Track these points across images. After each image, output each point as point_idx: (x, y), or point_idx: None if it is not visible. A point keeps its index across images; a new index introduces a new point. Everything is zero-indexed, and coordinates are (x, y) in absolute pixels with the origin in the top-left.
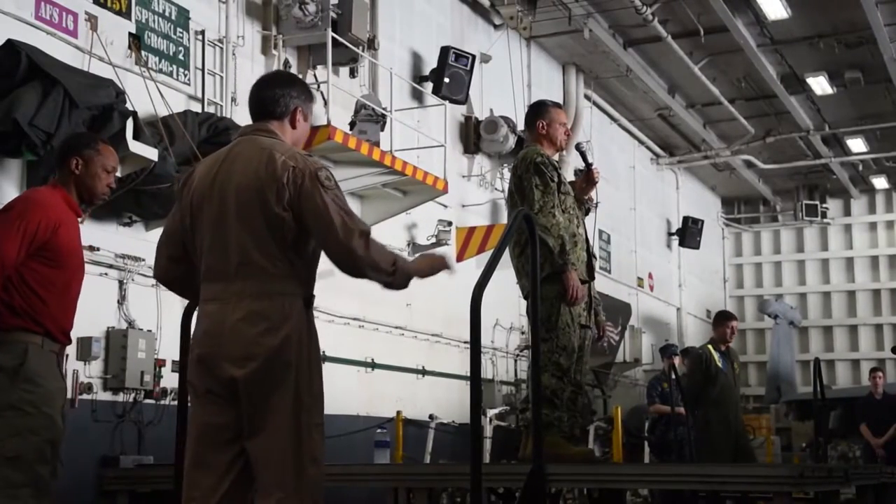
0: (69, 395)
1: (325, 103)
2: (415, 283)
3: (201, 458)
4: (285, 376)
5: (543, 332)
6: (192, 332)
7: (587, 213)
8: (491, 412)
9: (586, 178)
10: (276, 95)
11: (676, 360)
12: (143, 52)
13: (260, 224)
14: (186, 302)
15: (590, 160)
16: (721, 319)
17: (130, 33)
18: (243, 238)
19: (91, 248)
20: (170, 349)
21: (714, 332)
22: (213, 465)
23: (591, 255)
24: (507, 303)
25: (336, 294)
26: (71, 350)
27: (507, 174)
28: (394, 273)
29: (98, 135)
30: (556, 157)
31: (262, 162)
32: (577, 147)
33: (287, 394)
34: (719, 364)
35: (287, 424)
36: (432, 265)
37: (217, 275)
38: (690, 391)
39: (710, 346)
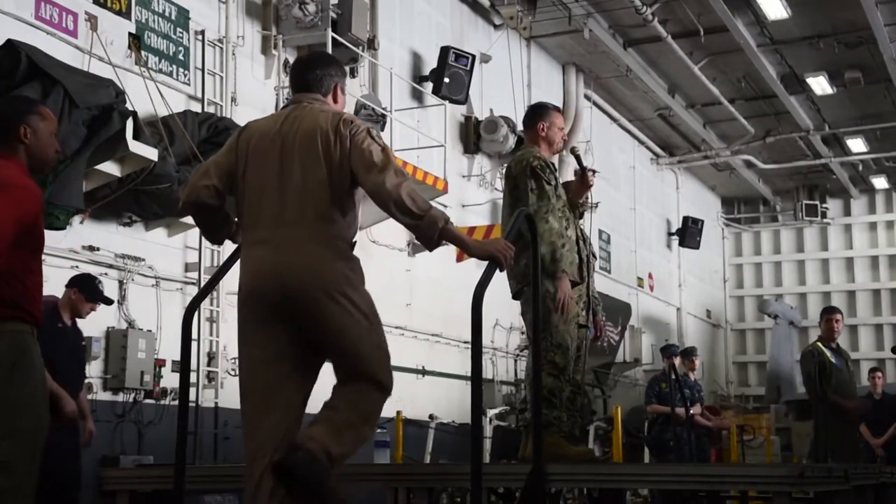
0: None
1: None
2: (415, 282)
3: (260, 377)
4: (325, 305)
5: None
6: (240, 273)
7: (581, 215)
8: (491, 412)
9: (581, 181)
10: (319, 75)
11: (676, 361)
12: (143, 52)
13: (321, 174)
14: (187, 302)
15: (584, 164)
16: (824, 315)
17: (130, 33)
18: (304, 186)
19: (91, 248)
20: (170, 349)
21: (821, 328)
22: (272, 382)
23: (588, 256)
24: (507, 303)
25: None
26: None
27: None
28: (421, 218)
29: (33, 98)
30: (554, 158)
31: (325, 120)
32: (573, 151)
33: (328, 317)
34: (832, 360)
35: (335, 337)
36: (488, 249)
37: (272, 219)
38: (810, 392)
39: (819, 344)
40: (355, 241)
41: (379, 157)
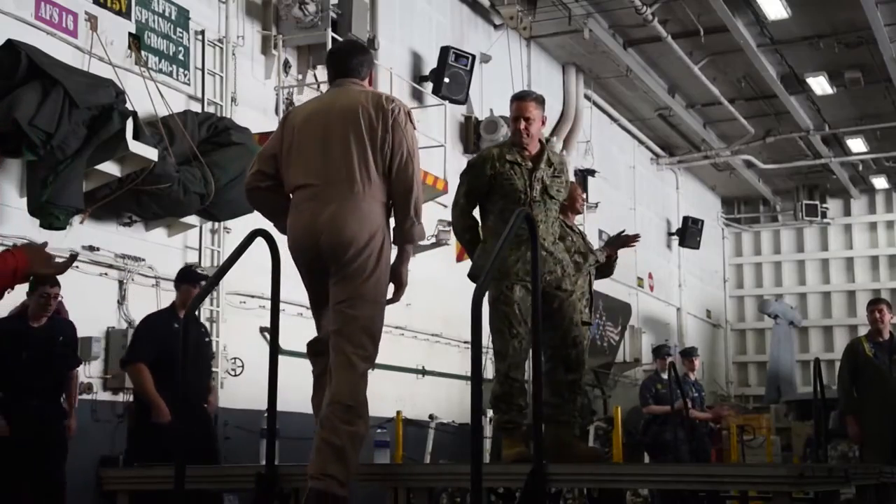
0: None
1: None
2: (414, 283)
3: (314, 309)
4: (359, 257)
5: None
6: (289, 227)
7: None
8: (491, 412)
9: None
10: (357, 62)
11: (670, 360)
12: (143, 52)
13: (364, 143)
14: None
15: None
16: (868, 307)
17: (130, 33)
18: (349, 154)
19: (91, 248)
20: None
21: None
22: (320, 317)
23: (574, 254)
24: None
25: None
26: None
27: None
28: (415, 220)
29: None
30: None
31: (367, 97)
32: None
33: (356, 268)
34: (869, 354)
35: (364, 294)
36: (402, 280)
37: (318, 180)
38: (839, 391)
39: (862, 338)
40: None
41: (416, 152)
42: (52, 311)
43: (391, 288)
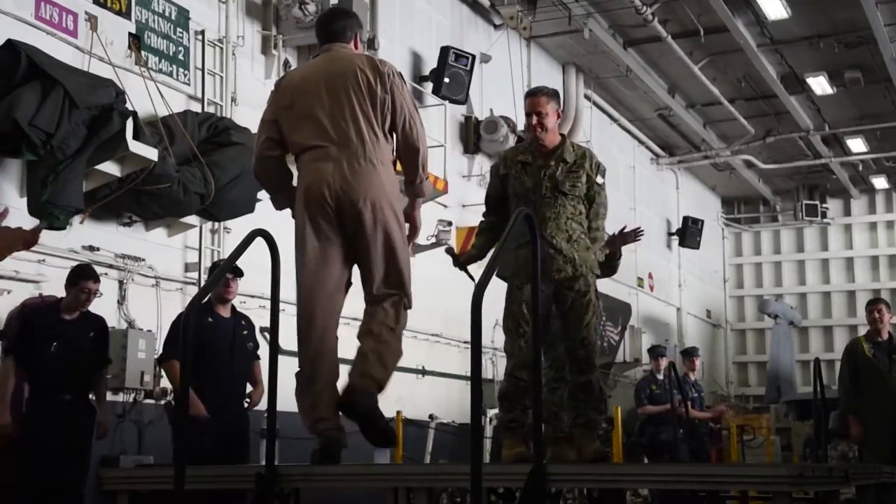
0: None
1: None
2: (415, 282)
3: (318, 265)
4: (380, 214)
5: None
6: (300, 183)
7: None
8: (491, 412)
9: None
10: (342, 26)
11: (664, 361)
12: (143, 52)
13: (366, 104)
14: (187, 302)
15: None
16: (867, 307)
17: (130, 33)
18: (355, 115)
19: (91, 248)
20: None
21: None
22: (328, 280)
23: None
24: None
25: None
26: None
27: None
28: (423, 176)
29: None
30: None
31: (360, 60)
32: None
33: (381, 224)
34: (868, 354)
35: (383, 243)
36: (417, 225)
37: (327, 140)
38: (840, 392)
39: (862, 338)
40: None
41: (415, 111)
42: (88, 306)
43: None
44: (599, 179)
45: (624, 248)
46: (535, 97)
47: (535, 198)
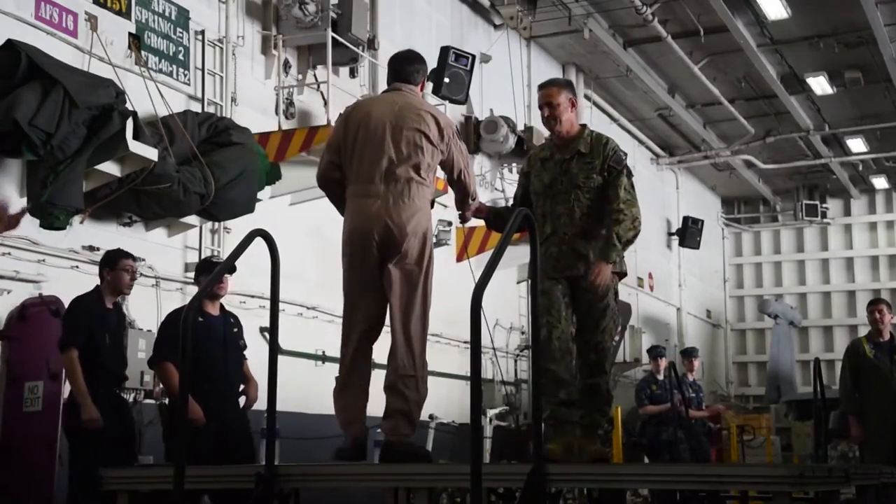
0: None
1: (326, 103)
2: None
3: (357, 297)
4: (416, 248)
5: None
6: (345, 217)
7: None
8: (491, 412)
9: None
10: (415, 69)
11: (664, 362)
12: (143, 52)
13: (425, 154)
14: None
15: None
16: (868, 307)
17: (130, 33)
18: (406, 154)
19: (91, 248)
20: None
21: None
22: (369, 305)
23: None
24: (507, 303)
25: (338, 295)
26: None
27: (507, 174)
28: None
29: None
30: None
31: (428, 114)
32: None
33: (421, 266)
34: (869, 355)
35: (419, 287)
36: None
37: (379, 176)
38: (841, 392)
39: (863, 338)
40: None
41: (467, 162)
42: (132, 287)
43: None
44: (615, 166)
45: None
46: (547, 88)
47: (552, 193)
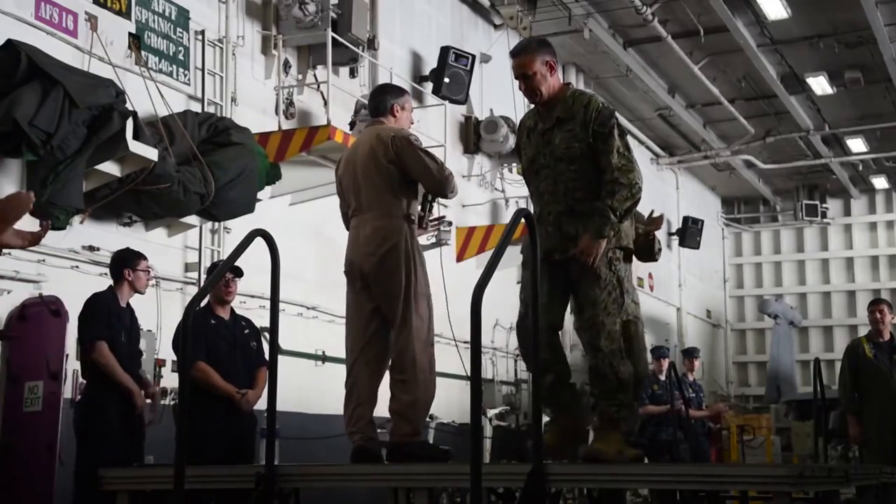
0: (69, 395)
1: (325, 103)
2: None
3: (353, 324)
4: (396, 267)
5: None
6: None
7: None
8: (491, 412)
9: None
10: (377, 102)
11: (665, 363)
12: (143, 52)
13: (376, 175)
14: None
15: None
16: (868, 307)
17: (130, 33)
18: (367, 185)
19: (91, 248)
20: (169, 349)
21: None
22: (360, 327)
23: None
24: (507, 303)
25: (338, 295)
26: (71, 350)
27: (507, 174)
28: (452, 192)
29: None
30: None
31: (377, 137)
32: None
33: (398, 277)
34: (869, 355)
35: (401, 296)
36: None
37: (356, 210)
38: (840, 392)
39: (863, 338)
40: (412, 214)
41: (430, 163)
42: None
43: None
44: (599, 130)
45: None
46: (519, 57)
47: (536, 169)
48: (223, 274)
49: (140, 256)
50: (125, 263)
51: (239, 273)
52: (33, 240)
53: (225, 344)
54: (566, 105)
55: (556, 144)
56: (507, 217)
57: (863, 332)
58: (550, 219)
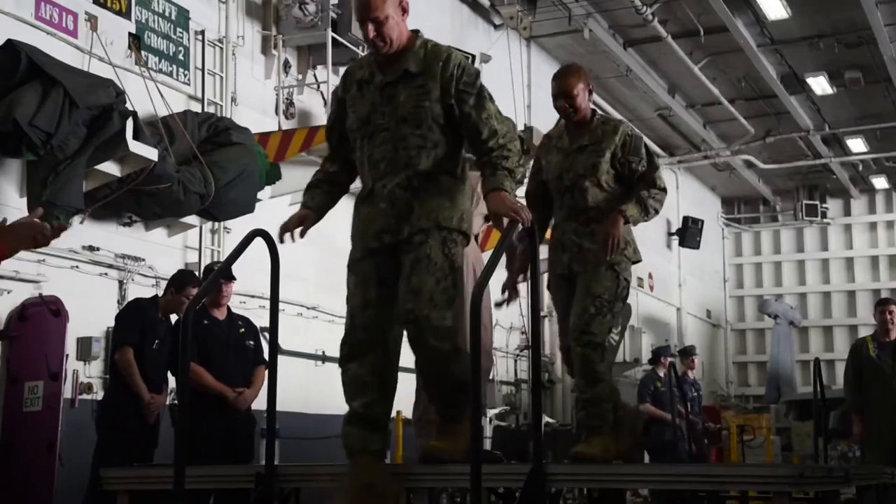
0: (69, 395)
1: (326, 103)
2: None
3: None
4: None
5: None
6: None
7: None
8: (491, 412)
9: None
10: None
11: (668, 362)
12: (143, 52)
13: None
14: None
15: None
16: (876, 307)
17: (130, 33)
18: None
19: (91, 248)
20: None
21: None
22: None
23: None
24: None
25: (338, 295)
26: (71, 350)
27: None
28: None
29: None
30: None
31: None
32: None
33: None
34: (873, 354)
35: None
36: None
37: None
38: (845, 390)
39: (868, 337)
40: None
41: None
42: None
43: None
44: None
45: None
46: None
47: (371, 130)
48: (218, 280)
49: (191, 283)
50: (173, 283)
51: (231, 277)
52: (46, 241)
53: (218, 344)
54: (417, 57)
55: (402, 102)
56: None
57: (863, 332)
58: (385, 193)
